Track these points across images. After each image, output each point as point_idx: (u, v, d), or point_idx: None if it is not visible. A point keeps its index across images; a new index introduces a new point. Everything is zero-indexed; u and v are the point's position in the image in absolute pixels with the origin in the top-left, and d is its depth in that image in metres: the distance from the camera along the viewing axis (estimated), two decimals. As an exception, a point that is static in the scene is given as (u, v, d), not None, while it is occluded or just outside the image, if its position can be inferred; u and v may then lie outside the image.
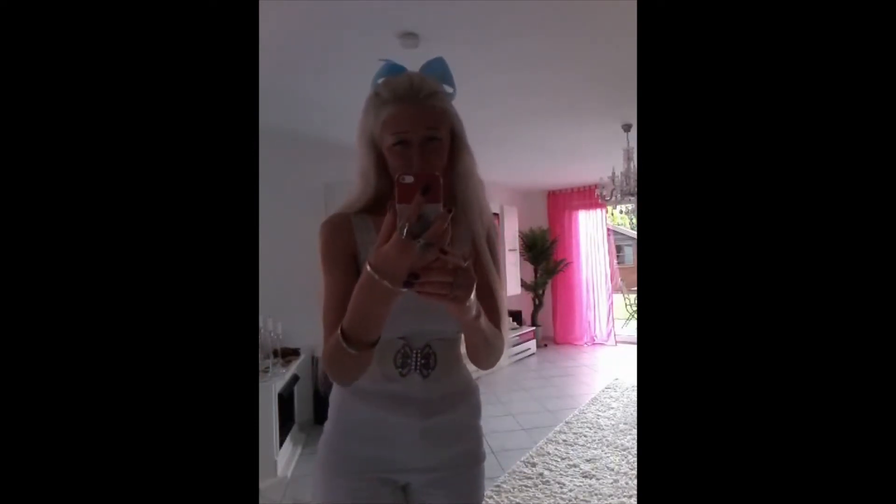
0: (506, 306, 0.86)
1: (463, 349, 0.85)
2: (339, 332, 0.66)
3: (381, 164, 0.79)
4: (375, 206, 0.80)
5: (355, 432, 0.83)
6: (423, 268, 0.60)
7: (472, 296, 0.65)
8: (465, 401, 0.88)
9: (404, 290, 0.62)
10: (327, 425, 0.87)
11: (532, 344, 5.71)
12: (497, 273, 0.85)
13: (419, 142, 0.74)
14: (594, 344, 6.15)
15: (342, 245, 0.81)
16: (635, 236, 10.69)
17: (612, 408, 3.56)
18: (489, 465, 1.01)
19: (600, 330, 6.21)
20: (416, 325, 0.80)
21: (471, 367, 0.87)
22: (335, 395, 0.87)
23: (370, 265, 0.61)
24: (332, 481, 0.83)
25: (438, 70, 0.81)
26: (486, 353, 0.80)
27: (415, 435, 0.81)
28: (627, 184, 3.84)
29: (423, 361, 0.81)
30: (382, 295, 0.62)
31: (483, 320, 0.73)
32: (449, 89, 0.81)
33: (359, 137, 0.80)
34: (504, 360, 0.85)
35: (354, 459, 0.83)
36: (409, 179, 0.59)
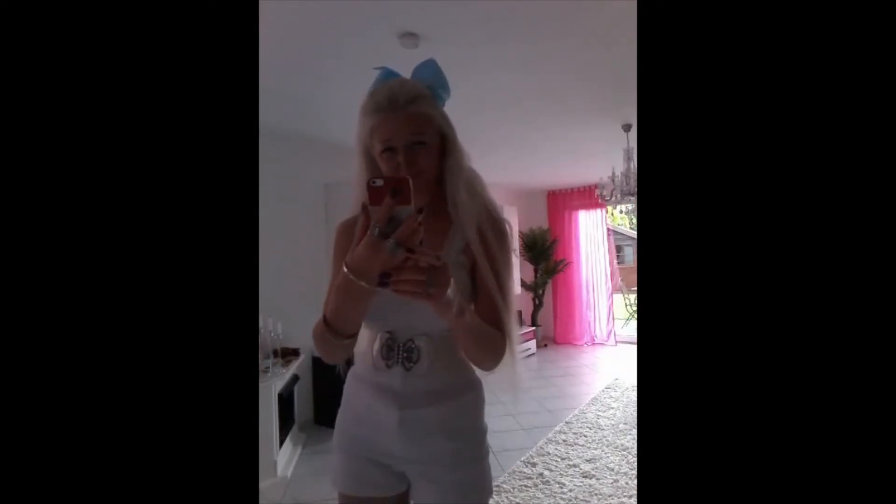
0: (511, 305, 0.85)
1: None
2: (322, 319, 0.74)
3: (374, 170, 0.83)
4: None
5: (354, 413, 0.91)
6: (395, 267, 0.63)
7: (450, 293, 0.67)
8: (455, 399, 0.87)
9: (379, 289, 0.65)
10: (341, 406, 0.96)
11: (532, 344, 5.70)
12: (500, 270, 0.84)
13: (404, 147, 0.77)
14: (594, 344, 6.14)
15: (344, 244, 0.85)
16: (635, 236, 10.69)
17: (612, 408, 3.56)
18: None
19: (600, 330, 6.21)
20: (401, 320, 0.83)
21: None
22: (348, 376, 0.95)
23: (346, 265, 0.65)
24: (337, 456, 0.92)
25: (429, 73, 0.83)
26: (479, 353, 0.81)
27: (392, 423, 0.84)
28: (627, 184, 3.83)
29: (405, 355, 0.85)
30: (358, 293, 0.66)
31: (470, 318, 0.74)
32: (439, 91, 0.83)
33: (355, 144, 0.84)
34: (509, 359, 0.83)
35: (350, 437, 0.90)
36: (380, 182, 0.62)
